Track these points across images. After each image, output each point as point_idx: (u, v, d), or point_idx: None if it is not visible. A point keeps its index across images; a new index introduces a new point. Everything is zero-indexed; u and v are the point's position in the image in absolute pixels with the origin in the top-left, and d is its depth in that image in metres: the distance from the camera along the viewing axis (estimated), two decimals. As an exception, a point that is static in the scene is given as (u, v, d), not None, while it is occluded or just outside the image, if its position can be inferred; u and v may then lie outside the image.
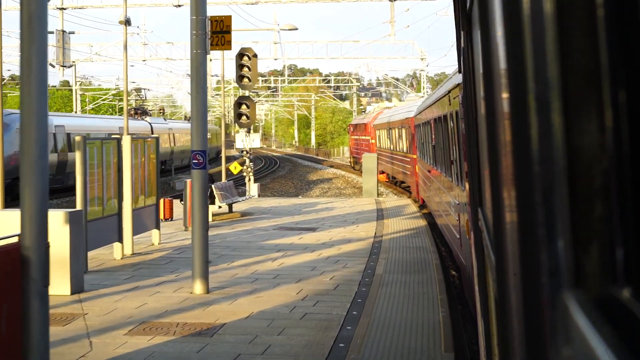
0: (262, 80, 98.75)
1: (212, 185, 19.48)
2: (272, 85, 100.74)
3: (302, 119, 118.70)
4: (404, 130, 30.42)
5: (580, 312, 0.80)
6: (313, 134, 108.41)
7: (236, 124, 26.24)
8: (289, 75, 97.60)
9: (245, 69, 25.74)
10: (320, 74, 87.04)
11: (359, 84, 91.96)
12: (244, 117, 26.56)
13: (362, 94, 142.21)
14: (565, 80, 0.86)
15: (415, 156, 26.42)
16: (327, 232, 17.41)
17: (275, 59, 54.76)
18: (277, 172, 58.21)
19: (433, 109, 17.19)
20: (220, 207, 20.36)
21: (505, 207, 1.42)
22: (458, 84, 10.68)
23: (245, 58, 25.82)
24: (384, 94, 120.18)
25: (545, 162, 0.96)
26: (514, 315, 1.33)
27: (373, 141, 45.03)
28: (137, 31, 56.18)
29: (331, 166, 63.93)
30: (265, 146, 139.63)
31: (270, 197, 30.64)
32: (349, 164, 59.98)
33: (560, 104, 0.87)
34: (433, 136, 17.69)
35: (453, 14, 4.61)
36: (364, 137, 49.72)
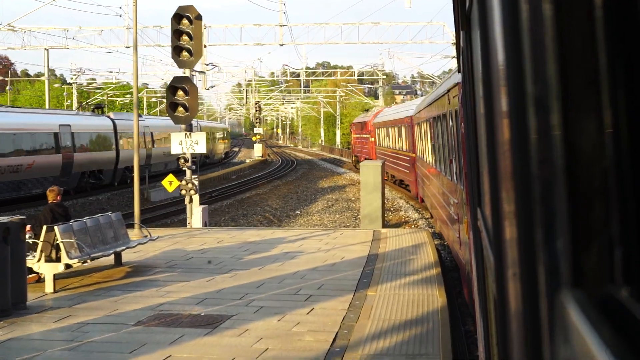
0: (285, 74, 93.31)
1: (56, 228, 11.38)
2: (288, 78, 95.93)
3: (330, 117, 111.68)
4: (403, 129, 30.42)
5: (579, 312, 0.80)
6: (338, 132, 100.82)
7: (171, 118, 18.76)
8: (321, 73, 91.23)
9: (185, 37, 18.04)
10: (352, 70, 79.95)
11: (385, 76, 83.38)
12: (180, 109, 18.38)
13: (397, 91, 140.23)
14: (564, 80, 0.86)
15: (414, 155, 26.43)
16: (235, 337, 8.59)
17: (280, 45, 47.09)
18: (288, 177, 49.77)
19: (432, 107, 17.20)
20: (68, 266, 11.36)
21: (504, 207, 1.42)
22: (457, 83, 10.69)
23: (185, 21, 17.99)
24: (419, 92, 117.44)
25: (544, 161, 0.96)
26: (513, 314, 1.33)
27: (373, 139, 45.00)
28: (120, 12, 47.80)
29: (351, 170, 55.23)
30: (292, 145, 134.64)
31: (217, 230, 18.97)
32: (352, 162, 59.71)
33: (559, 103, 0.87)
34: (432, 135, 17.70)
35: (453, 13, 4.62)
36: (364, 136, 49.62)
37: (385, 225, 20.60)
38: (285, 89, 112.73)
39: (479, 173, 2.94)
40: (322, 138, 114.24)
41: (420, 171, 23.93)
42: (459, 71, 5.15)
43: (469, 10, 3.00)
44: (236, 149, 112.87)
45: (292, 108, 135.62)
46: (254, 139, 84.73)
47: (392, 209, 28.13)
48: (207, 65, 49.66)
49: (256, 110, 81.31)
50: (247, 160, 70.44)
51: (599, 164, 0.79)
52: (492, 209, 1.85)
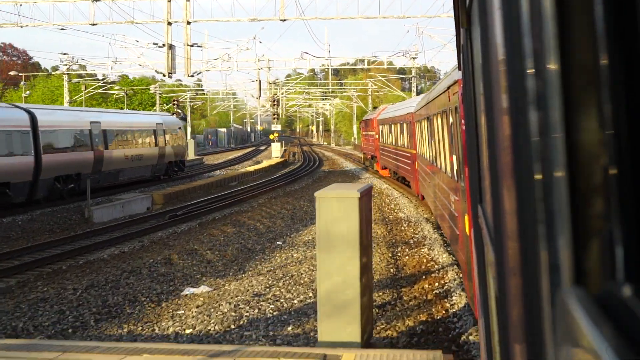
0: (305, 66, 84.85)
1: None
2: (309, 67, 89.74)
3: (365, 114, 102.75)
4: (405, 126, 30.49)
5: (580, 309, 0.80)
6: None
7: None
8: (362, 69, 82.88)
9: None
10: (392, 66, 69.88)
11: (416, 62, 71.29)
12: None
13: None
14: (564, 77, 0.86)
15: (415, 151, 26.47)
16: None
17: (282, 20, 39.52)
18: (298, 183, 40.36)
19: (433, 104, 17.22)
20: None
21: (505, 204, 1.42)
22: (457, 80, 10.69)
23: None
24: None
25: (544, 159, 0.96)
26: (514, 312, 1.33)
27: (377, 136, 45.26)
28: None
29: (373, 175, 45.35)
30: (325, 143, 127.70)
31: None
32: (361, 159, 59.43)
33: (559, 100, 0.87)
34: (432, 132, 17.71)
35: (453, 11, 4.63)
36: (370, 133, 49.84)
37: (377, 296, 12.54)
38: (302, 82, 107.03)
39: (480, 170, 2.94)
40: (355, 136, 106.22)
41: (421, 168, 23.96)
42: (459, 68, 5.16)
43: (469, 7, 3.01)
44: (263, 147, 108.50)
45: (330, 105, 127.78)
46: (271, 137, 71.67)
47: (412, 242, 18.81)
48: (191, 46, 41.77)
49: (273, 105, 69.59)
50: (264, 162, 59.28)
51: (600, 161, 0.79)
52: (493, 207, 1.85)
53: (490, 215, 2.08)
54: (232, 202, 29.71)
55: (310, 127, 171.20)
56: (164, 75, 45.44)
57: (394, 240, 19.00)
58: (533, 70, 1.00)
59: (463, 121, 9.29)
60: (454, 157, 12.41)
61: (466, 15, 3.25)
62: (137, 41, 52.99)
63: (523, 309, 1.17)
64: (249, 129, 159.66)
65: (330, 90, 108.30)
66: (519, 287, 1.21)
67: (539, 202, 1.00)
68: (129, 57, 59.60)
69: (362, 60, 71.55)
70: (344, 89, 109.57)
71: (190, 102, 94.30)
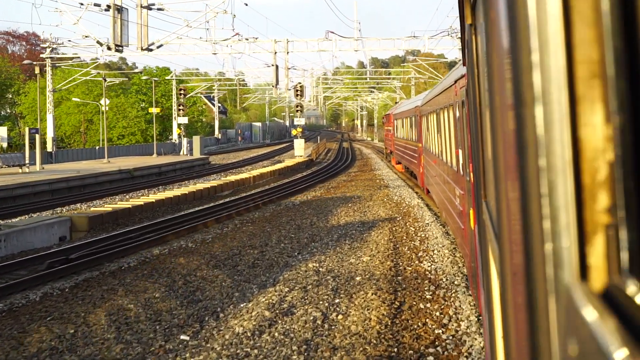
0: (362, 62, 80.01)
1: None
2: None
3: None
4: (413, 120, 30.56)
5: (586, 305, 0.80)
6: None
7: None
8: (411, 62, 76.86)
9: None
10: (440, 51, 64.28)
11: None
12: None
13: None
14: (570, 72, 0.85)
15: (421, 145, 26.50)
16: None
17: None
18: (306, 193, 30.46)
19: (439, 98, 17.21)
20: None
21: (509, 200, 1.42)
22: (464, 74, 10.68)
23: None
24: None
25: (549, 154, 0.95)
26: (517, 308, 1.33)
27: (392, 131, 45.95)
28: None
29: (404, 182, 34.61)
30: (369, 139, 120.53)
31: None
32: (384, 154, 59.80)
33: (565, 96, 0.87)
34: (439, 125, 17.71)
35: (457, 7, 4.63)
36: (388, 128, 50.72)
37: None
38: (348, 74, 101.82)
39: (484, 166, 2.94)
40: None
41: (427, 162, 23.98)
42: (464, 64, 5.16)
43: (474, 3, 3.00)
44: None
45: (374, 98, 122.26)
46: (294, 132, 60.04)
47: (431, 350, 9.28)
48: (147, 8, 33.33)
49: (297, 95, 58.07)
50: (285, 162, 50.17)
51: (605, 155, 0.78)
52: (497, 202, 1.85)
53: (494, 210, 2.08)
54: (185, 228, 19.88)
55: (355, 121, 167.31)
56: (108, 49, 36.05)
57: (395, 350, 9.33)
58: (538, 65, 0.99)
59: (468, 116, 9.28)
60: (460, 151, 12.40)
61: (471, 11, 3.24)
62: (82, 4, 40.04)
63: (527, 305, 1.17)
64: (287, 123, 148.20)
65: (369, 80, 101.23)
66: (523, 282, 1.21)
67: (543, 197, 0.99)
68: (62, 25, 47.75)
69: (408, 51, 65.43)
70: (387, 78, 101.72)
71: (216, 93, 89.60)
